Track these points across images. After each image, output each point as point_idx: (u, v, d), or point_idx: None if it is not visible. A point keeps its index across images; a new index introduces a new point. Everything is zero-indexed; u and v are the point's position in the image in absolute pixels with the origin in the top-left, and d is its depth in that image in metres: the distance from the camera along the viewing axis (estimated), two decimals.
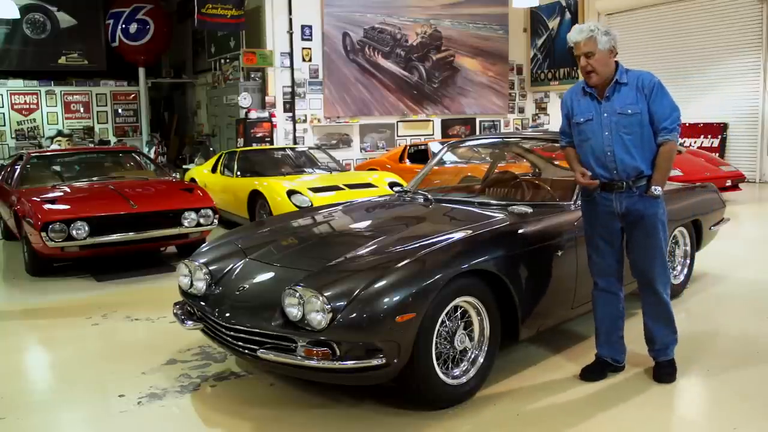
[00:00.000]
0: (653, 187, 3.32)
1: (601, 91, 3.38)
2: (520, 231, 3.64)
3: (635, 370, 3.67)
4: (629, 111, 3.31)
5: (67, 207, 6.17)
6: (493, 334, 3.37)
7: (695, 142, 12.81)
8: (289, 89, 12.74)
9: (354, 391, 3.36)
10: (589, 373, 3.58)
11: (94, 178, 7.41)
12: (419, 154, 10.93)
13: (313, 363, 2.90)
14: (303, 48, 12.82)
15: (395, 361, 2.93)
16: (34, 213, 6.03)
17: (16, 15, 11.11)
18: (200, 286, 3.55)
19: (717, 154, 11.84)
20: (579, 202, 3.86)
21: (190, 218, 6.48)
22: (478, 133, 15.16)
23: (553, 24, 15.88)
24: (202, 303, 3.47)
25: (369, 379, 3.03)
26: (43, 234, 5.85)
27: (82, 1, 15.75)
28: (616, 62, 3.37)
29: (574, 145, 3.58)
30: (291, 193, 7.39)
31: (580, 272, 3.84)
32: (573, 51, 3.36)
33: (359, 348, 2.89)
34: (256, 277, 3.43)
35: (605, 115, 3.36)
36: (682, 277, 5.05)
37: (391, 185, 7.59)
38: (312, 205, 7.01)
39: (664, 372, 3.53)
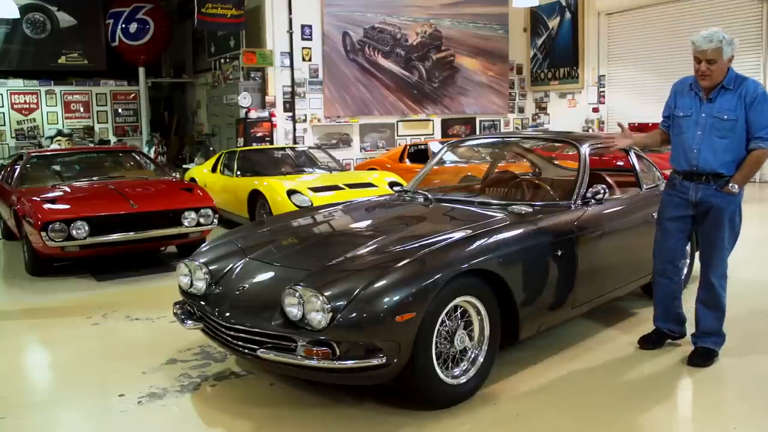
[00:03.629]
0: (731, 184, 3.54)
1: (707, 92, 3.57)
2: (520, 231, 3.63)
3: (634, 370, 3.67)
4: (725, 117, 3.51)
5: (67, 207, 6.17)
6: (493, 334, 3.37)
7: None
8: (289, 89, 12.74)
9: (354, 391, 3.36)
10: (647, 343, 3.94)
11: (94, 178, 7.40)
12: (419, 154, 10.92)
13: (313, 363, 2.90)
14: (303, 48, 12.81)
15: (395, 360, 2.93)
16: (34, 213, 6.03)
17: (16, 15, 11.08)
18: (200, 285, 3.55)
19: None
20: (579, 202, 4.01)
21: (190, 218, 6.48)
22: (478, 132, 15.16)
23: (553, 24, 15.87)
24: (202, 303, 3.47)
25: (369, 378, 3.03)
26: (43, 234, 5.85)
27: (82, 0, 15.73)
28: (729, 68, 3.55)
29: (668, 132, 3.87)
30: (291, 192, 7.39)
31: (581, 272, 3.84)
32: (693, 53, 3.53)
33: (359, 348, 2.89)
34: (256, 277, 3.43)
35: (703, 115, 3.58)
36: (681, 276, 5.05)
37: (391, 185, 7.58)
38: (312, 204, 7.01)
39: (697, 356, 3.71)
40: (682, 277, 4.09)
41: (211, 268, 3.59)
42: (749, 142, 3.50)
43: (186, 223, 6.46)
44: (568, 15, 15.51)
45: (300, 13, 12.67)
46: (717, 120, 3.52)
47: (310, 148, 10.35)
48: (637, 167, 4.72)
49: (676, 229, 3.80)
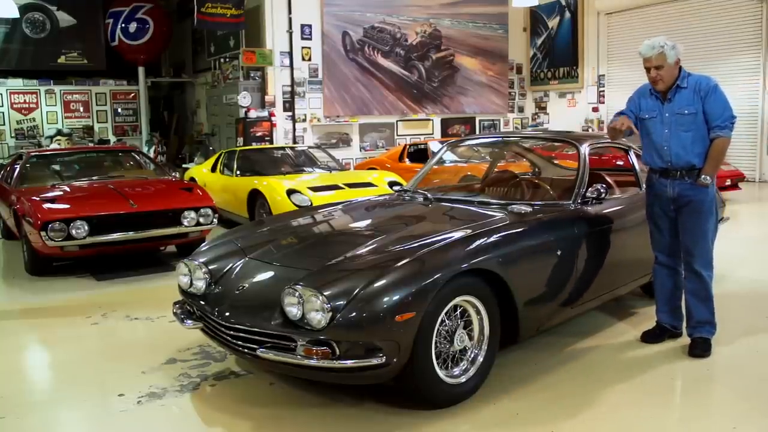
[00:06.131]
0: (703, 177, 3.75)
1: (665, 93, 3.83)
2: (519, 230, 3.63)
3: (634, 369, 3.68)
4: (686, 111, 3.76)
5: (66, 206, 6.17)
6: (492, 334, 3.37)
7: None
8: (289, 88, 12.74)
9: (354, 391, 3.36)
10: (650, 337, 4.06)
11: (94, 178, 7.40)
12: (419, 154, 10.91)
13: (312, 362, 2.90)
14: (303, 47, 12.81)
15: (395, 360, 2.93)
16: (33, 212, 6.03)
17: (16, 14, 11.08)
18: (200, 285, 3.54)
19: None
20: (579, 202, 4.03)
21: (189, 217, 6.48)
22: (477, 132, 15.16)
23: (552, 23, 15.87)
24: (202, 302, 3.47)
25: (369, 378, 3.03)
26: (43, 233, 5.85)
27: (82, 0, 15.72)
28: (680, 68, 3.80)
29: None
30: (291, 192, 7.39)
31: (580, 271, 3.84)
32: (643, 63, 3.79)
33: (359, 347, 2.89)
34: (255, 277, 3.43)
35: (666, 114, 3.83)
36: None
37: (391, 184, 7.58)
38: (312, 204, 7.01)
39: (696, 348, 3.84)
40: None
41: (210, 267, 3.59)
42: (709, 132, 3.72)
43: (186, 223, 6.46)
44: (567, 15, 15.52)
45: (300, 12, 12.66)
46: (679, 116, 3.77)
47: (309, 147, 10.34)
48: (637, 167, 4.72)
49: (665, 223, 3.97)
